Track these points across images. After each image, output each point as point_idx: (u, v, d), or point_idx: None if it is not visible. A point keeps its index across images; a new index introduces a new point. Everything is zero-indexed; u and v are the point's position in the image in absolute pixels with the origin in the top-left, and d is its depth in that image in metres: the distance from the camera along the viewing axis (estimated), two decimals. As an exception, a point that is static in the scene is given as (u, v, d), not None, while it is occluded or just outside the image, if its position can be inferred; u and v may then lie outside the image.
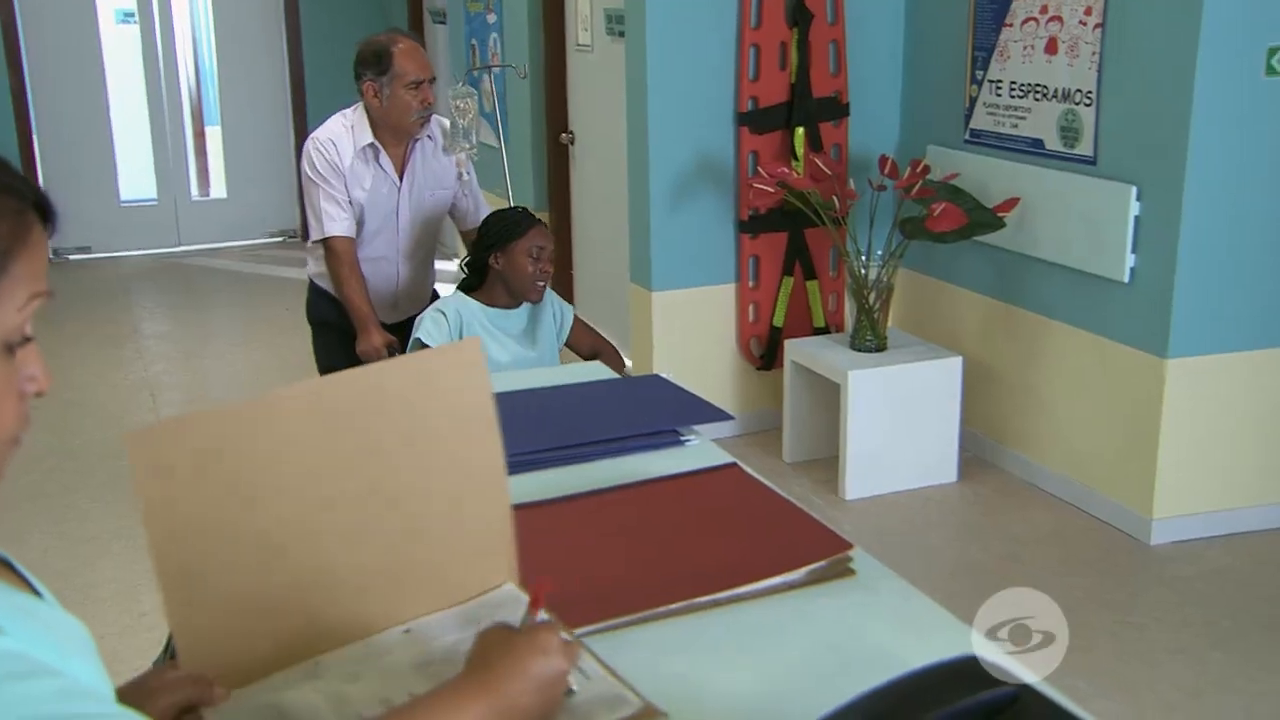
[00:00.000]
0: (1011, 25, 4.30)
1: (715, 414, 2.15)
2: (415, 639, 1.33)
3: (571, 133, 6.17)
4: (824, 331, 4.91)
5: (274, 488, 1.23)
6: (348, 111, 3.63)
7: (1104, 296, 4.03)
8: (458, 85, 3.98)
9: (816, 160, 4.49)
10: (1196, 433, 3.92)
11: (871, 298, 4.39)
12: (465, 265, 3.53)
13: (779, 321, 4.87)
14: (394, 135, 3.59)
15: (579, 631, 1.37)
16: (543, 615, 1.22)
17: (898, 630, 1.49)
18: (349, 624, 1.31)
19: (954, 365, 4.39)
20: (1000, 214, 4.22)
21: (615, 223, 5.45)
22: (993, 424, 4.60)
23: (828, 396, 4.48)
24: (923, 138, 4.82)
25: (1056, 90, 4.14)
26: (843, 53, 4.76)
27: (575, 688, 1.22)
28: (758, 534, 1.68)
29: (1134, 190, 3.86)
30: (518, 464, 1.84)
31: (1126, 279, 3.92)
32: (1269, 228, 3.82)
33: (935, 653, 1.26)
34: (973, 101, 4.54)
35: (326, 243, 3.57)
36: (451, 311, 3.38)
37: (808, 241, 4.83)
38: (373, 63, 3.49)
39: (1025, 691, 1.20)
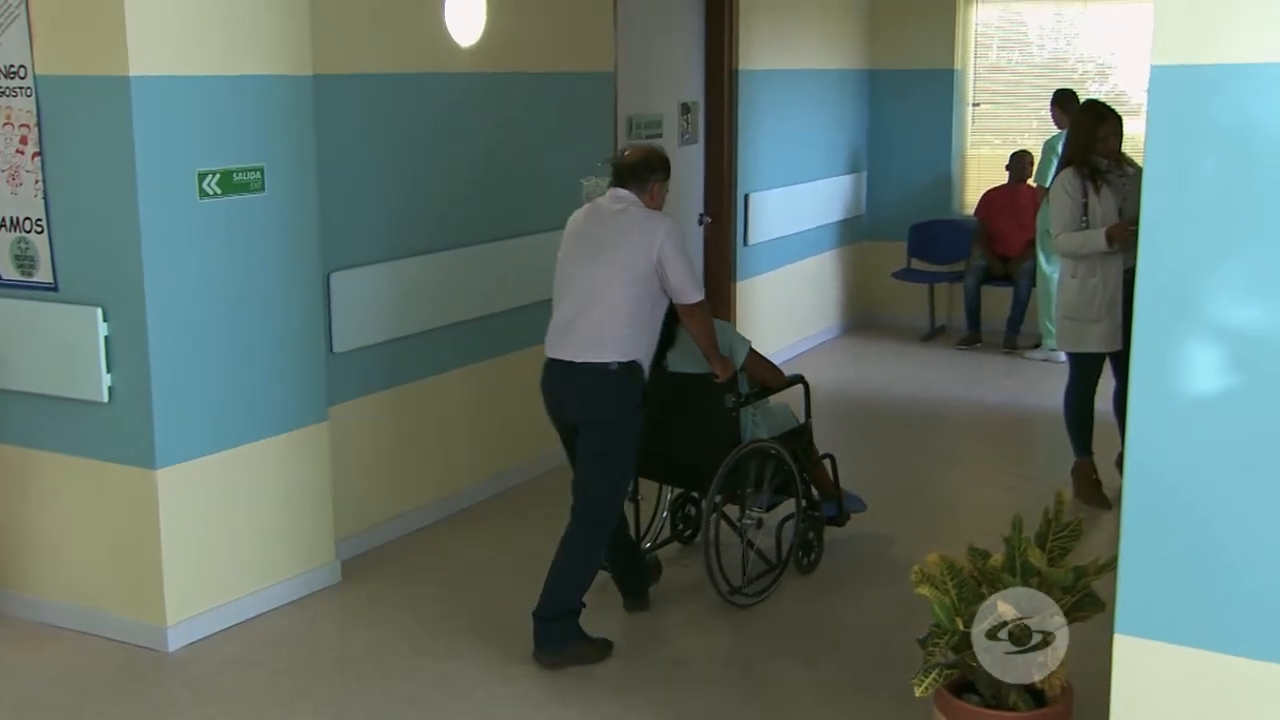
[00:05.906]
0: (-51, 155, 4.15)
1: None
2: None
3: None
4: None
5: None
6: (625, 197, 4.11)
7: (87, 418, 4.05)
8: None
9: None
10: (195, 534, 4.10)
11: None
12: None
13: None
14: None
15: None
16: None
17: None
18: None
19: (-64, 514, 4.09)
20: (-36, 349, 4.04)
21: None
22: (-9, 568, 4.36)
23: None
24: None
25: (5, 219, 4.08)
26: None
27: None
28: None
29: (100, 312, 3.95)
30: None
31: (105, 398, 3.98)
32: (224, 335, 4.15)
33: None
34: (-82, 234, 4.28)
35: (700, 303, 4.08)
36: None
37: None
38: (665, 169, 4.16)
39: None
